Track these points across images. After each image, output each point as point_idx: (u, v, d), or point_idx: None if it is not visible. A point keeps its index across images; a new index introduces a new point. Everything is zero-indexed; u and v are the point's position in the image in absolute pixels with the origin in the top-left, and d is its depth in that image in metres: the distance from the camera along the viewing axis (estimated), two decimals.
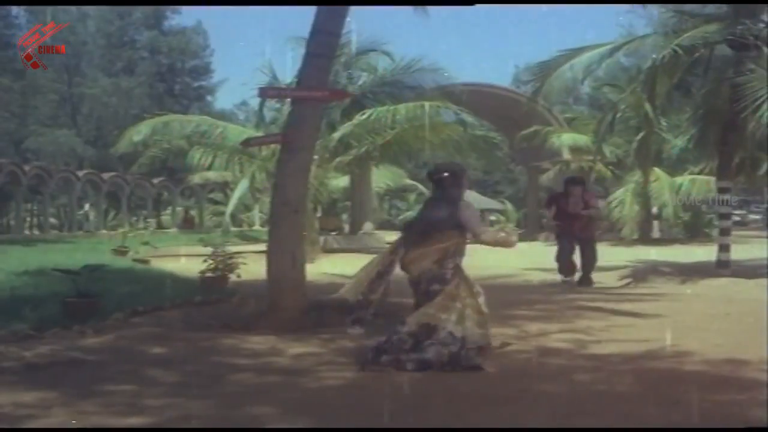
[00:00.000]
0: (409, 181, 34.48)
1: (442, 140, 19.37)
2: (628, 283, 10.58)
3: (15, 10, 32.75)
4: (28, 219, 33.28)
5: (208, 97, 40.75)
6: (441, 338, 4.68)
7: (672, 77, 10.49)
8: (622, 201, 20.88)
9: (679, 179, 20.92)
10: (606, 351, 5.21)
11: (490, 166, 21.55)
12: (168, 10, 36.24)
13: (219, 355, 5.32)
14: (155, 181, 33.46)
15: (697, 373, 4.42)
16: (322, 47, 7.46)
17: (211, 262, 9.34)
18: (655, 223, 24.63)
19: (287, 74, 20.49)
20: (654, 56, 10.00)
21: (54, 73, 34.52)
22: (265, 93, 7.41)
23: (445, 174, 5.22)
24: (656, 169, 20.56)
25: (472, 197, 42.18)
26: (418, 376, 4.45)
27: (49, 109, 33.57)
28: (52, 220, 34.90)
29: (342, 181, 27.37)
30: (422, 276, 5.00)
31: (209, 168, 19.86)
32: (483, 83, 25.03)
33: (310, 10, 7.50)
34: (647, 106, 10.75)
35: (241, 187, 23.51)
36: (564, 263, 10.37)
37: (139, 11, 35.99)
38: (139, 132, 19.02)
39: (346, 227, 29.65)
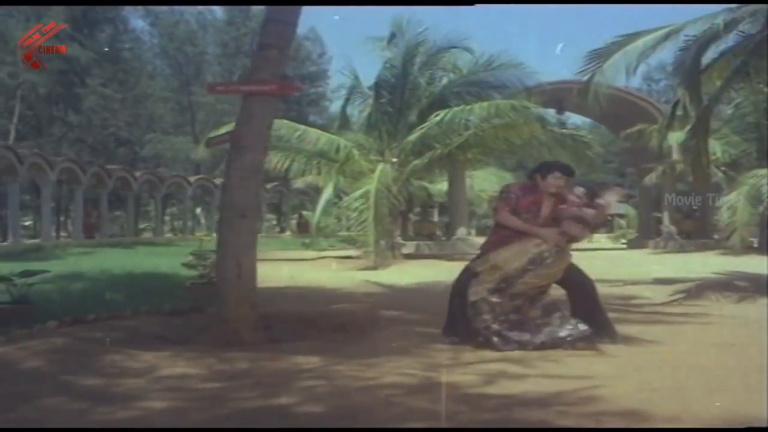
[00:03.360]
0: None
1: (524, 139, 18.31)
2: (674, 300, 9.14)
3: (140, 25, 34.58)
4: (146, 223, 34.87)
5: (326, 103, 41.11)
6: None
7: (733, 60, 8.94)
8: (734, 206, 18.66)
9: None
10: (505, 390, 4.22)
11: (582, 166, 19.86)
12: None
13: (77, 374, 4.81)
14: (269, 186, 34.19)
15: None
16: (272, 37, 6.84)
17: (199, 268, 8.92)
18: None
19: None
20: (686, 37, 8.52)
21: (176, 82, 36.11)
22: (212, 89, 6.92)
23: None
24: None
25: None
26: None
27: (170, 117, 35.09)
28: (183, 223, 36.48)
29: (445, 186, 26.66)
30: None
31: (286, 172, 19.71)
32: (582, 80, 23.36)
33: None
34: (680, 92, 9.21)
35: (327, 192, 23.33)
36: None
37: (254, 21, 36.85)
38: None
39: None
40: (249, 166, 6.77)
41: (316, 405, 3.91)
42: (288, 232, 34.93)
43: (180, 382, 4.62)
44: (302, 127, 19.91)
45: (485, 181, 30.42)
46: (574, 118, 40.19)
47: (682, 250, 21.70)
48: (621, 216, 35.12)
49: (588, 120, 33.92)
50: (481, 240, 6.74)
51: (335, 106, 41.99)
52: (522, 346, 5.52)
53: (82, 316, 7.01)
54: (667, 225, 23.00)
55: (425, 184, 28.44)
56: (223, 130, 19.34)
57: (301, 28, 47.71)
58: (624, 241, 28.41)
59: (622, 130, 22.73)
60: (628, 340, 6.06)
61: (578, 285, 6.10)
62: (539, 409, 3.76)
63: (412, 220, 26.68)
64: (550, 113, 26.79)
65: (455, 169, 23.06)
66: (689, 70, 9.03)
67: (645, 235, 24.43)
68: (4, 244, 20.30)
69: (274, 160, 19.16)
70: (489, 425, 3.55)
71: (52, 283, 9.79)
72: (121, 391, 4.38)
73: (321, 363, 5.15)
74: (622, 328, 6.50)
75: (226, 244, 6.79)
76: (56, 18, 24.84)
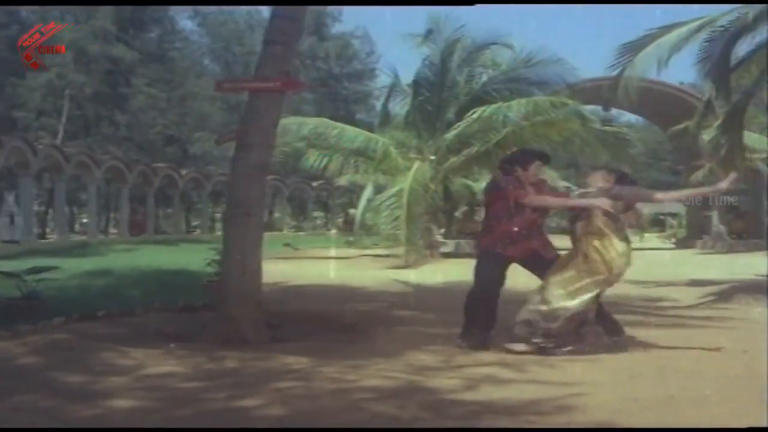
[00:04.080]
0: (563, 183, 32.45)
1: (565, 137, 17.90)
2: (701, 303, 8.79)
3: (189, 25, 35.11)
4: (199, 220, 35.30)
5: (373, 101, 41.05)
6: None
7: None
8: None
9: None
10: (484, 397, 4.06)
11: (624, 164, 19.40)
12: (328, 17, 37.05)
13: (62, 371, 4.81)
14: (315, 184, 34.37)
15: None
16: (278, 34, 6.80)
17: (214, 265, 8.92)
18: None
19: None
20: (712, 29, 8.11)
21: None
22: (220, 86, 6.97)
23: None
24: None
25: None
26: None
27: (219, 116, 35.48)
28: None
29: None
30: None
31: (324, 170, 19.70)
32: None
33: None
34: (707, 86, 8.76)
35: (367, 190, 23.30)
36: (482, 315, 5.69)
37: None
38: None
39: None
40: (254, 163, 6.72)
41: (279, 408, 3.82)
42: (334, 230, 35.04)
43: (159, 380, 4.59)
44: (340, 125, 19.87)
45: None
46: (627, 116, 39.24)
47: (731, 250, 20.95)
48: (673, 215, 34.24)
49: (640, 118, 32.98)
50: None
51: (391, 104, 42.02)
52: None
53: (92, 312, 7.08)
54: (716, 224, 22.25)
55: (469, 182, 28.14)
56: None
57: (349, 26, 48.03)
58: (673, 240, 27.61)
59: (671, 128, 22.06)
60: (637, 344, 5.81)
61: None
62: (507, 417, 3.60)
63: (456, 219, 26.40)
64: (596, 111, 26.35)
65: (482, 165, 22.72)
66: (717, 62, 8.64)
67: (694, 235, 23.69)
68: (51, 240, 20.86)
69: (312, 159, 19.26)
70: None
71: (77, 279, 9.99)
72: (97, 388, 4.36)
73: (309, 364, 5.05)
74: (636, 332, 6.25)
75: (231, 243, 6.76)
76: (104, 19, 25.50)
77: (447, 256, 19.41)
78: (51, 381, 4.58)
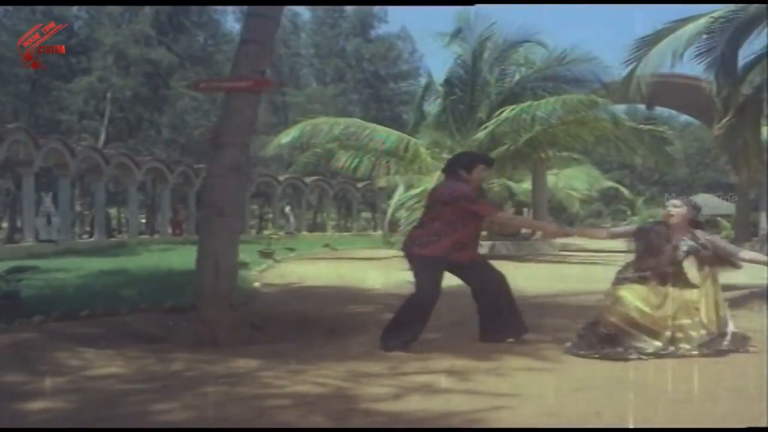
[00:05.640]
0: (609, 183, 31.73)
1: (597, 136, 17.46)
2: None
3: (236, 28, 35.45)
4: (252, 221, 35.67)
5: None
6: None
7: None
8: None
9: None
10: (404, 407, 3.89)
11: (663, 164, 18.85)
12: (374, 18, 37.04)
13: (4, 370, 4.84)
14: (360, 185, 34.39)
15: None
16: (252, 32, 6.75)
17: None
18: None
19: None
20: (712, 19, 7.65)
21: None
22: (196, 86, 6.97)
23: None
24: None
25: (705, 200, 38.09)
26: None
27: (265, 118, 35.86)
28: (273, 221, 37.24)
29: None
30: None
31: (355, 171, 19.59)
32: (674, 73, 21.97)
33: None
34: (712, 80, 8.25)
35: (399, 190, 23.09)
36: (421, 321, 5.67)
37: (347, 21, 37.15)
38: (287, 134, 19.42)
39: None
40: (228, 164, 6.66)
41: (182, 413, 3.72)
42: (379, 231, 34.99)
43: (93, 382, 4.56)
44: (372, 125, 19.75)
45: (576, 180, 29.40)
46: (684, 116, 38.15)
47: None
48: (726, 216, 33.01)
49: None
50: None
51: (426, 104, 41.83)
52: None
53: (76, 311, 7.14)
54: (764, 227, 21.31)
55: (510, 183, 27.71)
56: (294, 129, 19.71)
57: (393, 27, 47.88)
58: None
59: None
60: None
61: (486, 281, 5.71)
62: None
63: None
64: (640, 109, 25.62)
65: (537, 167, 22.38)
66: (723, 55, 8.19)
67: (743, 237, 22.70)
68: (91, 240, 21.35)
69: (342, 159, 19.18)
70: None
71: (83, 279, 10.14)
72: (25, 389, 4.36)
73: (254, 368, 4.95)
74: None
75: (204, 243, 6.72)
76: (143, 23, 25.98)
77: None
78: None
